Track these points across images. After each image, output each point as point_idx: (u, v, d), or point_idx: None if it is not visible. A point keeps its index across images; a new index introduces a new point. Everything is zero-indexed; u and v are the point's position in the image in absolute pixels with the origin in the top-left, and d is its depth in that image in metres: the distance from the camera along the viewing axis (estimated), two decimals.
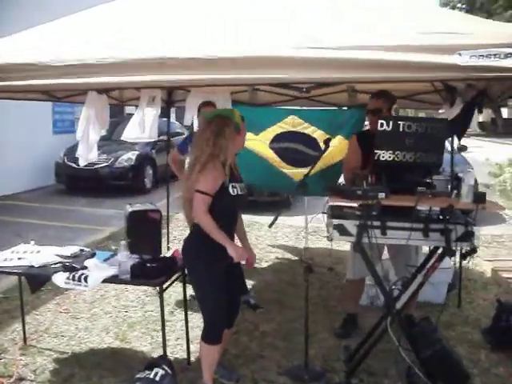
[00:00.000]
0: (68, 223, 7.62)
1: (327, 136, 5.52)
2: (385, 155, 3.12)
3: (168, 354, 3.64)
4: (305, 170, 5.50)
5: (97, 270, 3.11)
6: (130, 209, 5.10)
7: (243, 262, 3.13)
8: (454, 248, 3.04)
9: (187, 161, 4.56)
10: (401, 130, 3.07)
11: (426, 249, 4.29)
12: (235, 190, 2.91)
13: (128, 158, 9.95)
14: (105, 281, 3.07)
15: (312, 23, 2.48)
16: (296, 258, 6.30)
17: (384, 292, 3.39)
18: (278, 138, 5.67)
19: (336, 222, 3.14)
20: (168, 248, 5.95)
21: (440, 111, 5.18)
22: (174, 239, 6.82)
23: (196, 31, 2.62)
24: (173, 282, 3.38)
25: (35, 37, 3.02)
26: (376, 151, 3.11)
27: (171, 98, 5.81)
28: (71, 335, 3.97)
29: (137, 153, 10.29)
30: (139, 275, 3.06)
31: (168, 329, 4.07)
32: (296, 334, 4.08)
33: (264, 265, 5.99)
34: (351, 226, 3.11)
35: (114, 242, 6.40)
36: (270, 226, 3.42)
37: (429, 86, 4.04)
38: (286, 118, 5.67)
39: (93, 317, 4.33)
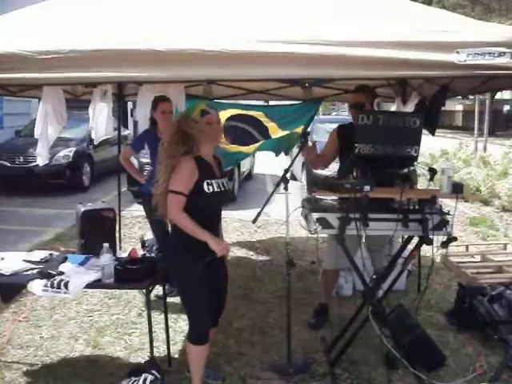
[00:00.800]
0: (6, 225, 7.16)
1: (280, 129, 5.63)
2: (365, 149, 3.18)
3: (146, 357, 3.55)
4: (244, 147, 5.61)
5: (76, 275, 2.95)
6: (82, 208, 4.87)
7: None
8: (431, 236, 3.18)
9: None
10: (380, 123, 3.14)
11: (400, 239, 4.49)
12: (210, 187, 2.82)
13: (65, 154, 9.49)
14: (87, 286, 2.91)
15: (310, 19, 2.47)
16: (251, 252, 6.32)
17: (364, 282, 3.49)
18: (230, 118, 5.62)
19: (317, 215, 3.18)
20: (120, 247, 5.75)
21: (394, 105, 5.38)
22: (124, 237, 6.60)
23: (192, 23, 2.55)
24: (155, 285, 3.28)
25: None
26: (356, 145, 3.17)
27: (122, 92, 5.61)
28: (37, 345, 3.74)
29: (74, 149, 9.84)
30: (124, 278, 2.93)
31: (139, 331, 3.97)
32: (270, 328, 4.11)
33: None
34: (333, 218, 3.16)
35: (62, 243, 6.09)
36: (254, 221, 3.39)
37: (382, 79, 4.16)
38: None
39: (56, 324, 4.10)
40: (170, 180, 2.76)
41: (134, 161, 5.26)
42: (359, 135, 3.17)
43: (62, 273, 3.00)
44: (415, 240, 3.30)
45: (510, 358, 3.22)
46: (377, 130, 3.14)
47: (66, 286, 2.85)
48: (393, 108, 5.42)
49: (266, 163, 12.79)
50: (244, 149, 5.77)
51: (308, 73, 2.40)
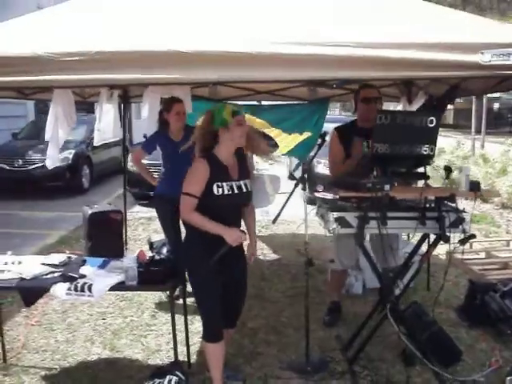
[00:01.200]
0: (10, 229, 7.11)
1: (286, 133, 5.67)
2: (382, 148, 3.20)
3: (164, 359, 3.56)
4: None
5: (99, 277, 2.95)
6: (89, 210, 4.87)
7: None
8: (448, 234, 3.22)
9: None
10: (398, 122, 3.17)
11: (404, 237, 4.53)
12: (220, 189, 2.78)
13: (64, 157, 9.43)
14: (110, 289, 2.92)
15: (335, 21, 2.49)
16: (258, 252, 6.29)
17: (381, 280, 3.53)
18: None
19: (336, 214, 3.21)
20: (126, 249, 5.76)
21: (399, 104, 5.43)
22: (129, 239, 6.60)
23: (191, 25, 2.57)
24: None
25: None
26: (374, 144, 3.19)
27: (127, 94, 5.61)
28: (53, 349, 3.73)
29: (73, 151, 9.79)
30: (148, 280, 2.94)
31: (155, 333, 3.98)
32: (284, 327, 4.13)
33: None
34: (352, 218, 3.19)
35: (68, 246, 6.07)
36: (274, 221, 3.41)
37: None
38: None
39: (70, 327, 4.10)
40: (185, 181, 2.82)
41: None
42: (377, 134, 3.18)
43: (83, 276, 3.01)
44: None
45: None
46: (394, 129, 3.16)
47: (89, 288, 2.85)
48: (398, 107, 5.47)
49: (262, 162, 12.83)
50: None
51: (336, 74, 2.40)
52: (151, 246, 5.77)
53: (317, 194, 8.84)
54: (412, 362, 3.48)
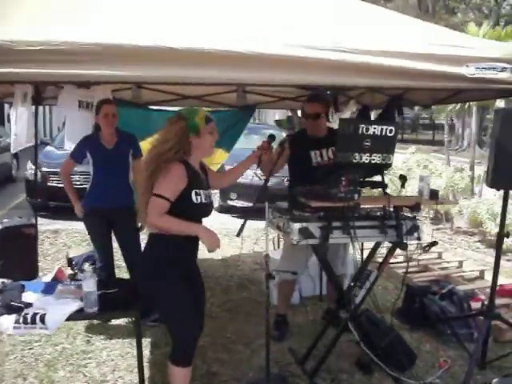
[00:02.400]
0: None
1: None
2: (345, 157, 3.19)
3: None
4: None
5: (52, 306, 2.57)
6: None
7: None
8: (405, 241, 3.29)
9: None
10: (360, 132, 3.18)
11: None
12: (199, 197, 2.63)
13: None
14: (67, 318, 2.55)
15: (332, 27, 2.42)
16: None
17: (340, 290, 3.52)
18: None
19: (299, 225, 3.13)
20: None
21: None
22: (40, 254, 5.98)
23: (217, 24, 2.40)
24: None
25: None
26: (337, 153, 3.17)
27: (41, 95, 5.07)
28: None
29: None
30: (110, 305, 2.62)
31: (95, 361, 3.60)
32: (232, 343, 3.96)
33: None
34: (315, 228, 3.13)
35: None
36: (238, 234, 3.24)
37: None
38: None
39: None
40: (154, 184, 2.55)
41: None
42: (340, 144, 3.17)
43: (29, 304, 2.61)
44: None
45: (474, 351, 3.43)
46: (357, 138, 3.17)
47: (42, 320, 2.47)
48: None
49: None
50: None
51: (333, 80, 2.32)
52: (70, 262, 5.31)
53: (231, 203, 8.85)
54: (369, 370, 3.51)
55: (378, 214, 3.31)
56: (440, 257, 6.25)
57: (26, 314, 2.50)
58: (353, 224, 3.01)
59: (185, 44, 2.19)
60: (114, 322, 4.06)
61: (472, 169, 9.74)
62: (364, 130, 3.19)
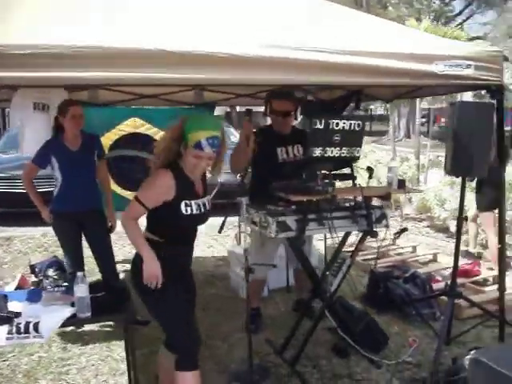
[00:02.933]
0: None
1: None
2: (317, 151, 3.32)
3: None
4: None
5: (45, 313, 2.55)
6: None
7: None
8: (375, 229, 3.47)
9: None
10: (330, 127, 3.31)
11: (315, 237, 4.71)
12: (188, 208, 2.53)
13: None
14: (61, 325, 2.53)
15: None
16: None
17: (317, 280, 3.65)
18: (117, 145, 5.37)
19: (276, 219, 3.23)
20: None
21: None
22: None
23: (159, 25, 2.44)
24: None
25: None
26: (310, 148, 3.29)
27: None
28: None
29: None
30: (100, 310, 2.62)
31: (75, 368, 3.56)
32: (210, 340, 4.01)
33: None
34: (291, 221, 3.24)
35: None
36: (220, 231, 3.29)
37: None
38: (127, 119, 5.42)
39: None
40: (141, 185, 2.51)
41: None
42: (312, 139, 3.29)
43: (18, 314, 2.56)
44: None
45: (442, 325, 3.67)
46: (328, 133, 3.31)
47: (35, 328, 2.44)
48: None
49: None
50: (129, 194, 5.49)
51: (318, 79, 2.43)
52: (33, 269, 5.16)
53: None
54: (346, 354, 3.68)
55: (348, 204, 3.48)
56: (394, 243, 6.55)
57: (19, 323, 2.46)
58: (330, 215, 3.15)
59: (160, 46, 2.25)
60: (87, 326, 4.01)
61: (418, 158, 10.20)
62: (334, 125, 3.32)
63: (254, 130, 4.14)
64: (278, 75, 2.42)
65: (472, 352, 2.60)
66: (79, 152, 4.00)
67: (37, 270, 5.01)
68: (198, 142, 2.40)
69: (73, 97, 4.79)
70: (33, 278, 4.89)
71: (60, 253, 4.21)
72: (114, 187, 5.22)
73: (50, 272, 4.65)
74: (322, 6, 2.98)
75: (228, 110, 15.98)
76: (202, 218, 2.67)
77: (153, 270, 2.44)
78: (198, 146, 2.42)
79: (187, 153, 2.46)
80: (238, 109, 12.58)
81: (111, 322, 3.86)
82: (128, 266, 5.83)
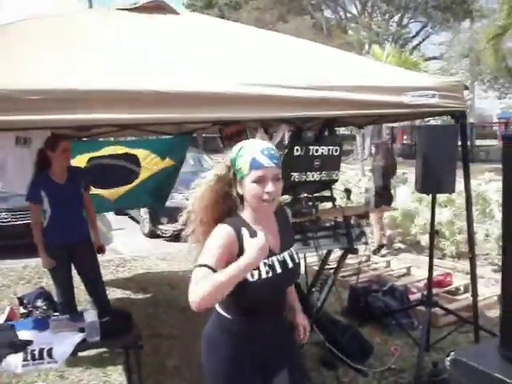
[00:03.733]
0: None
1: (152, 154, 5.71)
2: (298, 176, 3.57)
3: None
4: (120, 189, 5.65)
5: (55, 340, 2.68)
6: None
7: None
8: (355, 247, 3.74)
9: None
10: (310, 154, 3.58)
11: None
12: (256, 272, 1.92)
13: None
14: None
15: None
16: (128, 291, 6.13)
17: (303, 296, 3.87)
18: (94, 158, 5.50)
19: None
20: None
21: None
22: None
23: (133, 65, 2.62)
24: None
25: None
26: (291, 173, 3.54)
27: None
28: None
29: None
30: (107, 335, 2.77)
31: None
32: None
33: None
34: None
35: None
36: None
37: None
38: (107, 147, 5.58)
39: None
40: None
41: None
42: (294, 165, 3.54)
43: (30, 342, 2.69)
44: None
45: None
46: (308, 159, 3.57)
47: (49, 354, 2.58)
48: (257, 137, 5.93)
49: None
50: (105, 193, 5.67)
51: (302, 113, 2.68)
52: (21, 301, 5.23)
53: (162, 227, 8.99)
54: (334, 366, 3.88)
55: (329, 224, 3.73)
56: (369, 259, 6.83)
57: (33, 350, 2.59)
58: (316, 235, 3.39)
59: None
60: (82, 353, 4.10)
61: None
62: (314, 151, 3.60)
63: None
64: (254, 112, 2.63)
65: (452, 353, 2.85)
66: (66, 185, 4.13)
67: (25, 301, 5.10)
68: (252, 159, 1.89)
69: (58, 131, 4.95)
70: (21, 310, 4.98)
71: (43, 284, 4.32)
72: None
73: (39, 303, 4.77)
74: (296, 43, 3.25)
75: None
76: (278, 281, 2.01)
77: (259, 247, 1.74)
78: (254, 164, 1.89)
79: (244, 185, 1.92)
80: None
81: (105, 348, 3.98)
82: (116, 291, 5.98)
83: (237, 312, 2.01)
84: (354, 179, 9.75)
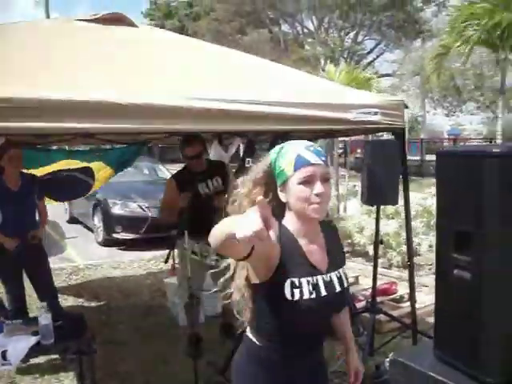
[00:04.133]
0: None
1: (106, 166, 5.73)
2: None
3: None
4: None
5: (11, 342, 2.72)
6: None
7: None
8: None
9: None
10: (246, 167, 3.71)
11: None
12: (297, 291, 1.65)
13: None
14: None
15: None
16: (81, 299, 6.10)
17: None
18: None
19: None
20: None
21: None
22: None
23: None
24: None
25: None
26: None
27: None
28: None
29: None
30: (61, 338, 2.81)
31: None
32: (157, 366, 4.21)
33: None
34: None
35: None
36: (166, 261, 3.56)
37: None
38: (60, 160, 5.56)
39: None
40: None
41: None
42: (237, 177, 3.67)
43: None
44: None
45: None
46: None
47: (3, 356, 2.61)
48: (211, 148, 6.06)
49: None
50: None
51: (244, 127, 2.83)
52: None
53: (116, 236, 9.06)
54: None
55: None
56: None
57: None
58: None
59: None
60: (33, 360, 4.09)
61: (337, 188, 10.93)
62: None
63: (171, 176, 4.50)
64: (199, 125, 2.76)
65: (391, 355, 3.05)
66: (20, 192, 4.16)
67: None
68: (297, 157, 1.66)
69: (14, 138, 4.93)
70: None
71: None
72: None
73: (9, 309, 4.72)
74: (248, 59, 3.42)
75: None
76: (322, 305, 1.71)
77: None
78: (300, 161, 1.65)
79: (288, 189, 1.68)
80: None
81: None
82: (68, 299, 5.94)
83: (267, 337, 1.74)
84: None
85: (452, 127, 42.00)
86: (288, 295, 1.63)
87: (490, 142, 15.76)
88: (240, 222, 1.27)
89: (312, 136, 4.54)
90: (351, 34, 27.07)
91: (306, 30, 27.38)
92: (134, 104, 2.53)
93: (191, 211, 4.18)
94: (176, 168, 5.40)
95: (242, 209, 1.63)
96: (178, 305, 5.01)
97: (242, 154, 4.94)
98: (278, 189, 1.71)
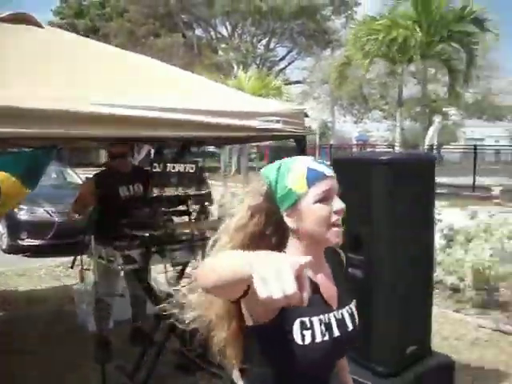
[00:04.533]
0: None
1: (13, 178, 5.47)
2: (156, 192, 3.76)
3: None
4: None
5: None
6: None
7: None
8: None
9: None
10: (168, 170, 3.79)
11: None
12: (308, 333, 1.37)
13: None
14: None
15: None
16: None
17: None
18: None
19: (122, 253, 3.61)
20: None
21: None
22: None
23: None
24: None
25: None
26: (153, 188, 3.73)
27: None
28: None
29: None
30: None
31: None
32: (66, 372, 4.11)
33: None
34: (136, 254, 3.65)
35: None
36: (72, 266, 3.52)
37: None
38: None
39: None
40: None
41: None
42: (154, 180, 3.74)
43: None
44: None
45: None
46: (166, 175, 3.79)
47: None
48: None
49: None
50: None
51: (150, 133, 2.87)
52: None
53: (22, 242, 8.82)
54: (193, 371, 4.09)
55: (186, 237, 3.95)
56: None
57: None
58: (170, 248, 3.62)
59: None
60: None
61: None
62: (171, 168, 3.83)
63: (94, 175, 4.47)
64: (104, 130, 2.73)
65: None
66: None
67: None
68: (308, 171, 1.41)
69: None
70: None
71: None
72: None
73: None
74: (158, 66, 3.48)
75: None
76: (339, 347, 1.47)
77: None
78: (313, 175, 1.41)
79: (302, 212, 1.41)
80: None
81: None
82: None
83: None
84: (217, 195, 10.06)
85: (360, 133, 44.08)
86: (298, 339, 1.35)
87: (393, 148, 16.79)
88: (267, 272, 0.96)
89: (221, 142, 4.69)
90: (264, 41, 27.69)
91: (219, 36, 27.64)
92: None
93: (106, 212, 4.16)
94: (87, 172, 5.33)
95: (234, 244, 1.37)
96: (87, 310, 4.93)
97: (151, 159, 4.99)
98: (284, 214, 1.42)
